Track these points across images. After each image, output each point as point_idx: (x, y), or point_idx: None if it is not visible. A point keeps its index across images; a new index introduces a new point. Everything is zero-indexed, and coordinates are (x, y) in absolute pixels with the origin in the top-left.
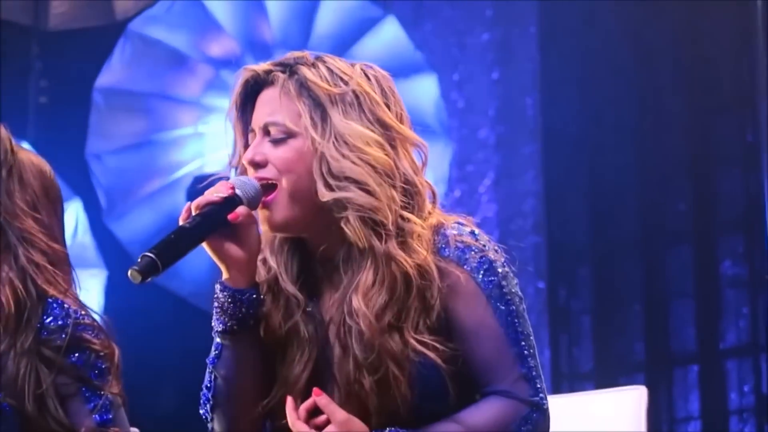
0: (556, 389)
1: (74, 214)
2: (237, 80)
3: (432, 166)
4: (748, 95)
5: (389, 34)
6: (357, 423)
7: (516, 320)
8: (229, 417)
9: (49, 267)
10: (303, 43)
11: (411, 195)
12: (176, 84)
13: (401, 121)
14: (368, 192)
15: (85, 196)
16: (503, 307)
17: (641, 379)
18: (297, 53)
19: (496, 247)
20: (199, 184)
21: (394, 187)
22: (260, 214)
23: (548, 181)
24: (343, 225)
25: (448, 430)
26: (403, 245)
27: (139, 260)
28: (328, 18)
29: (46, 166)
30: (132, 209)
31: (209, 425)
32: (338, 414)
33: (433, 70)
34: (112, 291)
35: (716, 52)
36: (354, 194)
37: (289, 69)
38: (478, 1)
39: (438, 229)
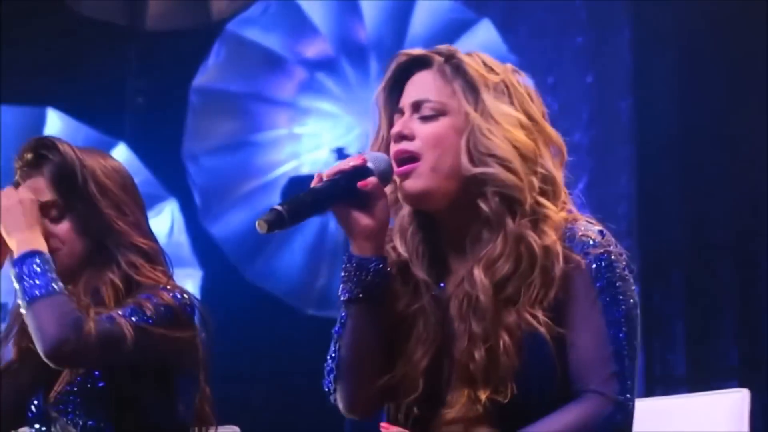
0: (650, 394)
1: (170, 214)
2: (391, 64)
3: None
4: None
5: (483, 37)
6: None
7: (623, 320)
8: (351, 388)
9: (147, 264)
10: (398, 44)
11: (548, 184)
12: (271, 85)
13: (545, 119)
14: (511, 170)
15: (181, 196)
16: (613, 306)
17: (735, 384)
18: (449, 46)
19: (620, 250)
20: (295, 184)
21: (534, 172)
22: (397, 184)
23: (641, 185)
24: (479, 201)
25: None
26: (535, 227)
27: (268, 212)
28: (422, 19)
29: (117, 163)
30: (227, 209)
31: (331, 397)
32: None
33: (527, 73)
34: (207, 290)
35: None
36: (497, 170)
37: (445, 55)
38: (572, 3)
39: (568, 221)
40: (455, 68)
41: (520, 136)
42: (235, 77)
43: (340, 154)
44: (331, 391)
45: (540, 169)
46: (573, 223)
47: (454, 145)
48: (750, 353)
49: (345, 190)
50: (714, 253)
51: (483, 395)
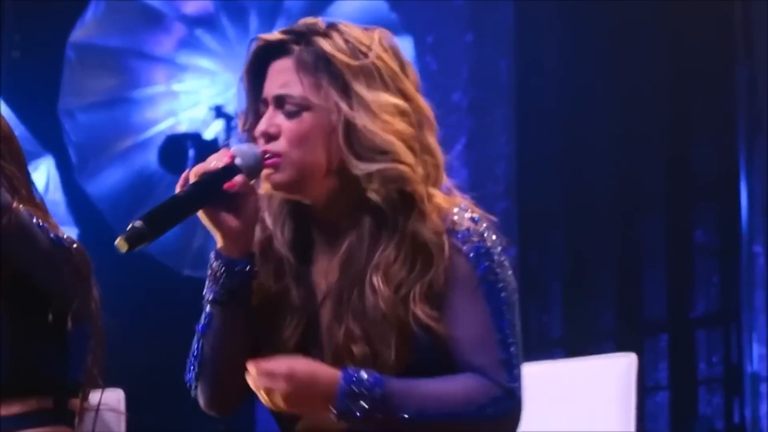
0: (525, 355)
1: (46, 171)
2: (249, 50)
3: None
4: (723, 64)
5: None
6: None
7: (503, 308)
8: (213, 386)
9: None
10: (279, 1)
11: (432, 168)
12: (150, 41)
13: (417, 89)
14: (403, 163)
15: (57, 153)
16: (494, 294)
17: (611, 347)
18: (309, 21)
19: (495, 234)
20: (172, 142)
21: (421, 160)
22: (263, 175)
23: (521, 146)
24: (371, 196)
25: (417, 387)
26: (427, 220)
27: (127, 228)
28: None
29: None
30: (104, 167)
31: (192, 392)
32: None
33: (408, 32)
34: None
35: (694, 20)
36: (387, 166)
37: (304, 39)
38: None
39: (445, 210)
40: (317, 57)
41: (401, 125)
42: (113, 33)
43: (218, 112)
44: (193, 388)
45: (425, 156)
46: (449, 212)
47: (322, 141)
48: (625, 316)
49: (211, 193)
50: (592, 215)
51: None
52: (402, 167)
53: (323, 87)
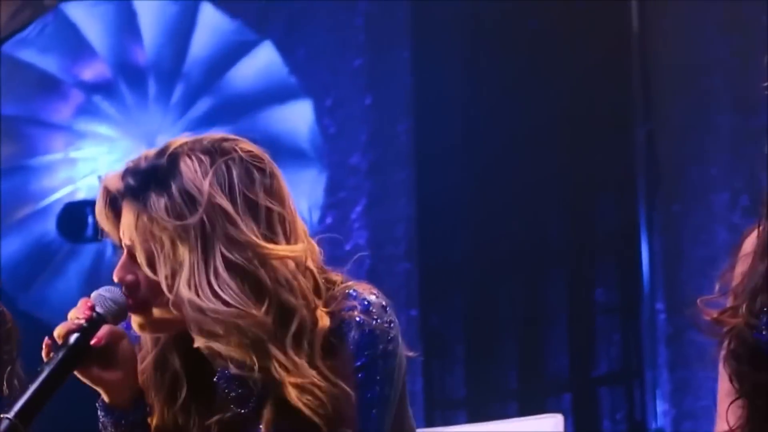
0: (429, 417)
1: None
2: (99, 189)
3: (306, 192)
4: (623, 122)
5: (264, 59)
6: None
7: (376, 400)
8: None
9: None
10: (177, 66)
11: (284, 318)
12: (48, 108)
13: (271, 221)
14: (231, 344)
15: None
16: (368, 385)
17: (514, 408)
18: (152, 155)
19: (386, 322)
20: (71, 210)
21: (255, 327)
22: (131, 317)
23: (421, 207)
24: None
25: None
26: (293, 386)
27: None
28: (203, 41)
29: None
30: (1, 236)
31: None
32: None
33: (307, 95)
34: None
35: (594, 78)
36: (218, 346)
37: (143, 194)
38: (351, 25)
39: (333, 309)
40: (151, 222)
41: (234, 302)
42: (9, 100)
43: None
44: None
45: (274, 310)
46: (337, 311)
47: (168, 301)
48: (528, 376)
49: (79, 355)
50: (493, 275)
51: None
52: (236, 349)
53: (159, 259)
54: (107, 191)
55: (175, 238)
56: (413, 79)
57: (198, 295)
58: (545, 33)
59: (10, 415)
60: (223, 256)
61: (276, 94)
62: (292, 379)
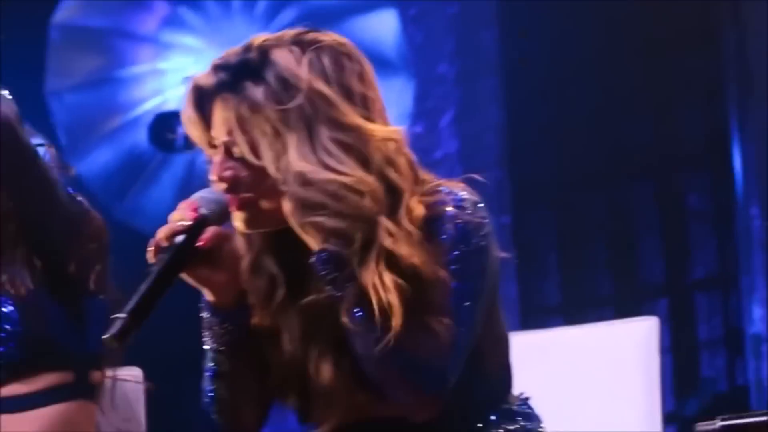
0: (525, 323)
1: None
2: (186, 90)
3: (394, 101)
4: (711, 29)
5: None
6: None
7: (470, 292)
8: (234, 421)
9: None
10: None
11: (391, 193)
12: (133, 20)
13: (367, 106)
14: (340, 216)
15: (46, 135)
16: (463, 276)
17: (610, 313)
18: (239, 51)
19: (479, 218)
20: (161, 120)
21: (366, 201)
22: (233, 216)
23: (510, 115)
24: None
25: None
26: (391, 257)
27: (112, 325)
28: None
29: None
30: (93, 147)
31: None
32: None
33: (391, 5)
34: None
35: None
36: (324, 220)
37: (236, 87)
38: None
39: (427, 202)
40: (250, 110)
41: (342, 171)
42: (96, 13)
43: None
44: (216, 421)
45: (376, 186)
46: (431, 204)
47: (274, 186)
48: (624, 282)
49: (185, 257)
50: (584, 182)
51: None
52: (338, 220)
53: (263, 142)
54: (199, 89)
55: (277, 124)
56: None
57: (308, 168)
58: None
59: (124, 314)
60: (328, 136)
61: (360, 4)
62: (402, 249)
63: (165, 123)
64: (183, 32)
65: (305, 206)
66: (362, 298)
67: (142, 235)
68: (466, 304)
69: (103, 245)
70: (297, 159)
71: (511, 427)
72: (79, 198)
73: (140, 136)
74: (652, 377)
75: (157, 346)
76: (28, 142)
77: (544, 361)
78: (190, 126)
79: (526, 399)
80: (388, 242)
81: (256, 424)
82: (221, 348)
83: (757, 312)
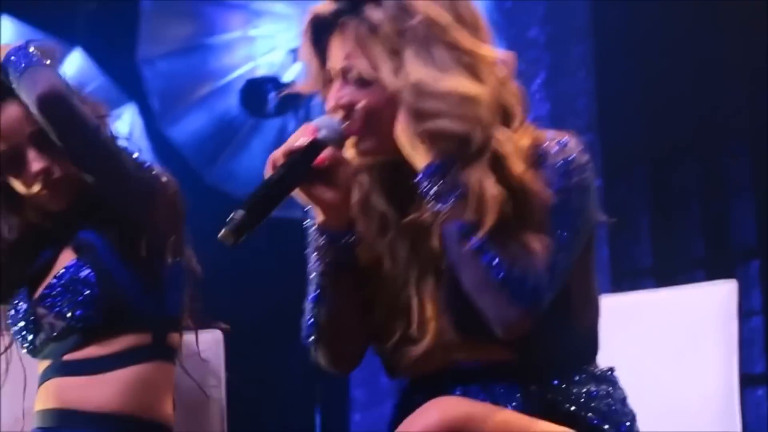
0: (616, 285)
1: (129, 119)
2: (304, 24)
3: None
4: None
5: None
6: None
7: (569, 224)
8: (333, 349)
9: None
10: None
11: (503, 114)
12: None
13: (478, 33)
14: (458, 120)
15: (139, 101)
16: (563, 210)
17: (702, 276)
18: None
19: (582, 159)
20: (252, 86)
21: (483, 110)
22: (349, 142)
23: (600, 80)
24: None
25: None
26: (500, 166)
27: (229, 220)
28: None
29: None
30: (185, 113)
31: (312, 354)
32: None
33: None
34: None
35: None
36: (443, 125)
37: (356, 10)
38: None
39: (532, 143)
40: (369, 30)
41: (456, 84)
42: None
43: (296, 55)
44: (312, 350)
45: (489, 104)
46: (536, 145)
47: (393, 106)
48: (715, 244)
49: (302, 172)
50: (675, 147)
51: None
52: (456, 124)
53: (382, 57)
54: (317, 19)
55: (395, 43)
56: None
57: (426, 78)
58: None
59: (242, 210)
60: (444, 55)
61: None
62: (513, 161)
63: (256, 89)
64: None
65: (423, 114)
66: (465, 205)
67: (233, 199)
68: (565, 233)
69: (179, 212)
70: (415, 70)
71: (595, 389)
72: (151, 165)
73: (231, 102)
74: (731, 339)
75: (237, 308)
76: (86, 114)
77: (622, 325)
78: (308, 61)
79: (612, 368)
80: (502, 150)
81: (350, 360)
82: (327, 270)
83: None
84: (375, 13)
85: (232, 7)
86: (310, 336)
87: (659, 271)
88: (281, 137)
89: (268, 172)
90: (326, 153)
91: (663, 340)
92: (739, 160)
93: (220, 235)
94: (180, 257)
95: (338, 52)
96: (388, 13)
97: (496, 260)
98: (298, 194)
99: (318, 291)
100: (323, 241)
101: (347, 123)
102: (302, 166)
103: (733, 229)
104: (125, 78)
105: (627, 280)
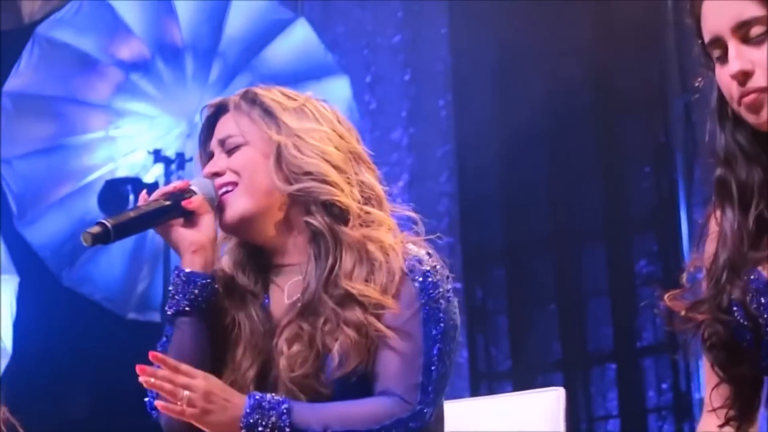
0: (475, 389)
1: None
2: (201, 119)
3: None
4: (659, 95)
5: (300, 36)
6: (213, 380)
7: (439, 337)
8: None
9: None
10: (213, 45)
11: (369, 192)
12: (86, 88)
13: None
14: (328, 183)
15: None
16: (432, 323)
17: (560, 378)
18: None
19: (446, 272)
20: (111, 187)
21: (351, 182)
22: (216, 217)
23: (462, 182)
24: (308, 219)
25: (324, 407)
26: (371, 231)
27: (95, 225)
28: (238, 20)
29: None
30: (43, 214)
31: (154, 413)
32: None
33: (344, 72)
34: (24, 296)
35: (628, 51)
36: (314, 185)
37: (243, 93)
38: (388, 3)
39: (401, 239)
40: (250, 101)
41: (330, 149)
42: (48, 80)
43: (158, 155)
44: (154, 409)
45: (357, 178)
46: (404, 242)
47: (263, 167)
48: (572, 347)
49: (171, 209)
50: (534, 248)
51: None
52: (328, 186)
53: (256, 121)
54: (212, 108)
55: (278, 112)
56: (451, 55)
57: (300, 141)
58: (579, 7)
59: (109, 222)
60: (320, 130)
61: (312, 72)
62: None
63: (116, 190)
64: (136, 99)
65: (298, 172)
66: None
67: (90, 302)
68: (438, 347)
69: None
70: (296, 122)
71: None
72: None
73: (90, 204)
74: None
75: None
76: None
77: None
78: (202, 147)
79: None
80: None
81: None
82: (183, 307)
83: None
84: (259, 90)
85: (94, 107)
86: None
87: (518, 374)
88: (142, 240)
89: (141, 200)
90: (195, 198)
91: None
92: (597, 261)
93: (83, 232)
94: None
95: (220, 129)
96: (271, 92)
97: None
98: (162, 232)
99: (168, 335)
100: (180, 281)
101: (222, 188)
102: (172, 205)
103: (591, 332)
104: None
105: (486, 382)
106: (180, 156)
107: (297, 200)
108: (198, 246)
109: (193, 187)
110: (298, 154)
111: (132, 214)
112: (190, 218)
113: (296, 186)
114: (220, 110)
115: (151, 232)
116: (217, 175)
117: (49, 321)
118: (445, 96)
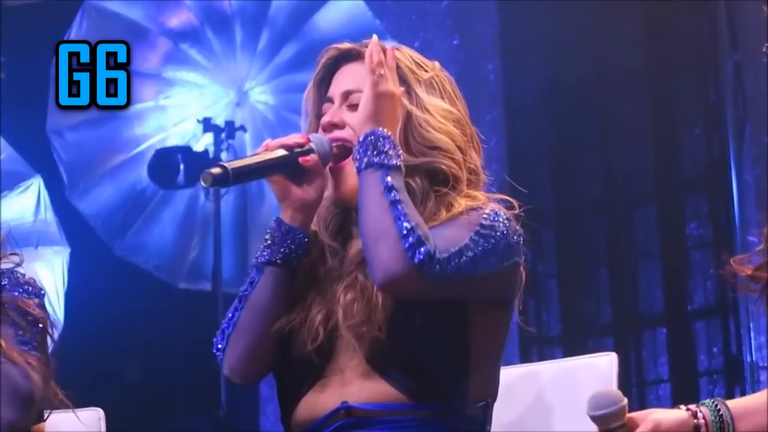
0: (525, 354)
1: (36, 191)
2: (321, 57)
3: None
4: (709, 55)
5: (349, 3)
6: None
7: (490, 248)
8: (243, 346)
9: None
10: (262, 13)
11: (473, 175)
12: (135, 57)
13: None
14: (454, 161)
15: (47, 173)
16: (486, 236)
17: (610, 342)
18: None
19: (513, 227)
20: (162, 157)
21: (465, 164)
22: (330, 181)
23: (511, 146)
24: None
25: None
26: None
27: (215, 166)
28: None
29: None
30: (94, 185)
31: (219, 355)
32: None
33: (393, 38)
34: (75, 267)
35: (677, 10)
36: (440, 161)
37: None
38: None
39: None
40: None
41: (455, 129)
42: None
43: (207, 124)
44: (221, 349)
45: (469, 162)
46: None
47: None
48: (623, 311)
49: (288, 163)
50: (584, 212)
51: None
52: (454, 164)
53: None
54: (338, 51)
55: (410, 80)
56: (500, 19)
57: (428, 118)
58: None
59: (228, 165)
60: (447, 109)
61: (361, 38)
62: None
63: (166, 159)
64: (186, 68)
65: (426, 145)
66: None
67: (142, 271)
68: (479, 248)
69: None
70: (426, 96)
71: None
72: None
73: (142, 173)
74: None
75: (124, 385)
76: None
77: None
78: (316, 86)
79: None
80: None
81: (258, 365)
82: (276, 259)
83: (756, 340)
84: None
85: (144, 76)
86: (224, 331)
87: (568, 339)
88: (192, 207)
89: (259, 152)
90: (312, 157)
91: (546, 414)
92: (648, 224)
93: (204, 172)
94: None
95: (344, 79)
96: (404, 56)
97: (406, 216)
98: (274, 184)
99: (254, 282)
100: (280, 232)
101: (336, 142)
102: (288, 158)
103: (642, 296)
104: (33, 149)
105: (536, 346)
106: (229, 124)
107: (420, 169)
108: (303, 204)
109: (312, 144)
110: (429, 128)
111: (251, 161)
112: (302, 174)
113: (423, 159)
114: (345, 57)
115: (201, 200)
116: (335, 126)
117: (100, 291)
118: (493, 60)
